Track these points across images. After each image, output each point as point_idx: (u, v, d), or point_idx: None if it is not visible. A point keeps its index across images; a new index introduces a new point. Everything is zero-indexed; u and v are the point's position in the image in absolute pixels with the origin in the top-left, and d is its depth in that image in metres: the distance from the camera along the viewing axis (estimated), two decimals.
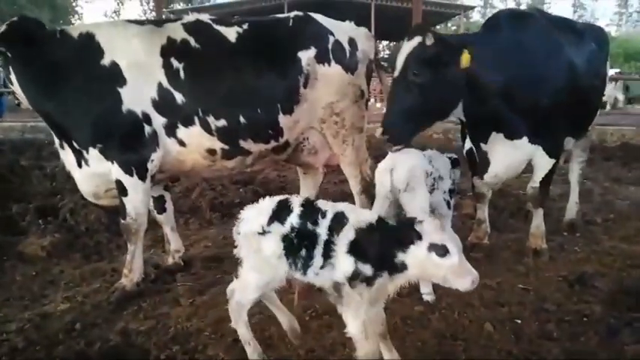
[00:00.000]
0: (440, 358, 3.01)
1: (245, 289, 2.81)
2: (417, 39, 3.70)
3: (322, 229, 2.56)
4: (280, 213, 2.64)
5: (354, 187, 4.67)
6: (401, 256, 2.43)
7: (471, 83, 3.87)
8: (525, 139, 4.25)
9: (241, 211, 2.86)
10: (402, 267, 2.45)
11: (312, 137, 4.51)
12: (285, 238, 2.59)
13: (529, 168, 4.58)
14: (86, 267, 4.56)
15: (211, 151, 4.01)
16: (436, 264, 2.37)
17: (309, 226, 2.58)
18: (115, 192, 3.95)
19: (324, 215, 2.60)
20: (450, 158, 4.36)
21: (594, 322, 3.43)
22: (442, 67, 3.71)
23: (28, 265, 4.63)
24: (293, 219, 2.60)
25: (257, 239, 2.65)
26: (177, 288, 4.10)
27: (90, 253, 4.96)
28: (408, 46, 3.73)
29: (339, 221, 2.57)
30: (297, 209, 2.63)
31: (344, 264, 2.49)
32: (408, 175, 3.75)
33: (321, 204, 2.71)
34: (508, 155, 4.33)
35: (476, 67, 3.77)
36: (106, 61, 3.73)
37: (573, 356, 3.03)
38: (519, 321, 3.46)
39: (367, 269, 2.45)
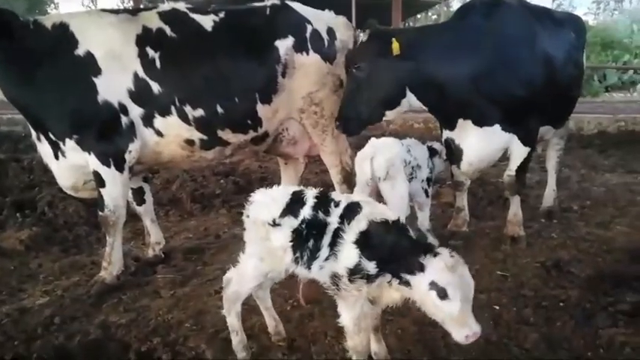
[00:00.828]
0: (420, 344, 3.04)
1: (243, 277, 2.78)
2: (362, 34, 4.13)
3: (334, 218, 2.49)
4: (294, 206, 2.58)
5: (335, 176, 4.69)
6: (405, 276, 2.31)
7: (427, 71, 4.05)
8: (497, 126, 4.29)
9: (252, 194, 2.80)
10: (406, 283, 2.31)
11: (291, 127, 4.50)
12: (295, 232, 2.53)
13: (507, 156, 4.63)
14: (65, 260, 4.50)
15: (189, 142, 3.98)
16: (434, 304, 2.22)
17: (321, 216, 2.51)
18: (92, 184, 3.90)
19: (337, 204, 2.53)
20: (428, 147, 4.42)
21: (570, 307, 3.50)
22: (378, 58, 3.99)
23: (5, 258, 4.55)
24: (305, 212, 2.54)
25: (266, 228, 2.61)
26: (158, 280, 4.07)
27: (69, 246, 4.90)
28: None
29: (352, 210, 2.49)
30: (310, 202, 2.57)
31: (348, 255, 2.39)
32: (388, 164, 3.78)
33: (335, 195, 2.66)
34: (481, 143, 4.35)
35: (432, 55, 4.05)
36: (80, 50, 3.66)
37: (550, 341, 3.10)
38: (497, 307, 3.51)
39: (371, 267, 2.34)
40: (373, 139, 4.14)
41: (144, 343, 3.13)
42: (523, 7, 4.57)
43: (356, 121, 4.16)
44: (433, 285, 2.20)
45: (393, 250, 2.35)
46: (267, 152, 4.74)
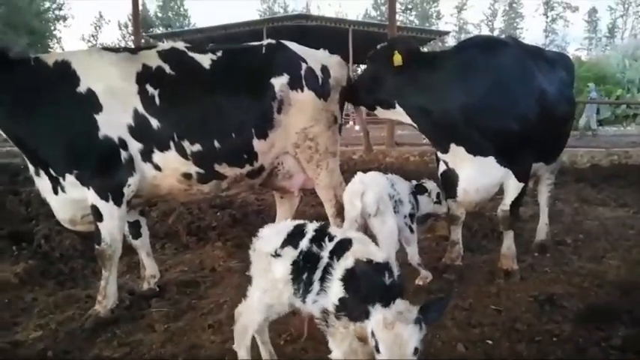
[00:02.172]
0: None
1: (250, 310, 2.81)
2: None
3: (325, 252, 2.53)
4: (294, 237, 2.64)
5: (329, 209, 4.74)
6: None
7: (417, 94, 4.38)
8: (492, 159, 4.38)
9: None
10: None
11: (286, 162, 4.58)
12: (295, 263, 2.58)
13: (501, 189, 4.71)
14: (60, 294, 4.49)
15: (187, 176, 4.05)
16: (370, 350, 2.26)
17: (315, 249, 2.56)
18: (90, 218, 3.94)
19: (331, 239, 2.58)
20: (418, 185, 4.49)
21: (563, 341, 3.50)
22: (382, 60, 4.48)
23: (0, 292, 4.54)
24: (303, 244, 2.60)
25: (268, 260, 2.66)
26: (152, 314, 4.07)
27: (64, 279, 4.89)
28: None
29: (342, 246, 2.53)
30: (309, 234, 2.63)
31: (335, 291, 2.42)
32: (378, 200, 3.83)
33: (333, 230, 2.70)
34: (475, 171, 4.44)
35: (425, 79, 4.35)
36: (82, 88, 3.76)
37: None
38: (491, 342, 3.51)
39: (354, 305, 2.34)
40: (360, 174, 4.22)
41: None
42: (519, 46, 4.74)
43: (355, 95, 4.83)
44: (373, 335, 2.21)
45: (373, 292, 2.32)
46: (262, 186, 4.81)
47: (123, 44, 68.50)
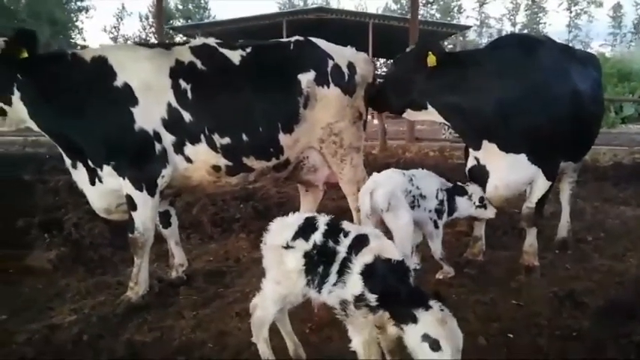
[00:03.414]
0: None
1: (265, 302, 2.91)
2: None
3: (342, 247, 2.64)
4: (305, 230, 2.74)
5: (352, 203, 4.84)
6: (399, 323, 2.43)
7: (453, 94, 4.41)
8: (524, 156, 4.43)
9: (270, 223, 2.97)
10: (400, 328, 2.44)
11: (311, 156, 4.69)
12: (307, 255, 2.68)
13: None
14: (91, 280, 4.66)
15: (216, 168, 4.17)
16: (426, 354, 2.33)
17: (330, 244, 2.66)
18: (124, 207, 4.09)
19: (346, 234, 2.68)
20: (458, 186, 4.54)
21: (583, 337, 3.57)
22: (412, 68, 4.54)
23: (34, 278, 4.72)
24: (316, 237, 2.70)
25: (280, 252, 2.76)
26: (181, 301, 4.22)
27: (94, 266, 5.06)
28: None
29: (360, 241, 2.64)
30: (321, 227, 2.73)
31: (354, 284, 2.54)
32: (389, 196, 3.90)
33: (346, 225, 2.80)
34: (506, 167, 4.49)
35: (458, 79, 4.39)
36: (119, 82, 3.90)
37: None
38: (511, 335, 3.59)
39: (372, 298, 2.48)
40: (375, 173, 4.32)
41: None
42: (554, 46, 4.78)
43: (381, 100, 4.87)
44: (425, 337, 2.31)
45: (392, 292, 2.48)
46: (287, 179, 4.92)
47: (144, 36, 69.18)
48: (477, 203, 4.56)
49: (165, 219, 4.61)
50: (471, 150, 4.76)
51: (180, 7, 69.46)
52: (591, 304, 4.05)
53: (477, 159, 4.71)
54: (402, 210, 4.04)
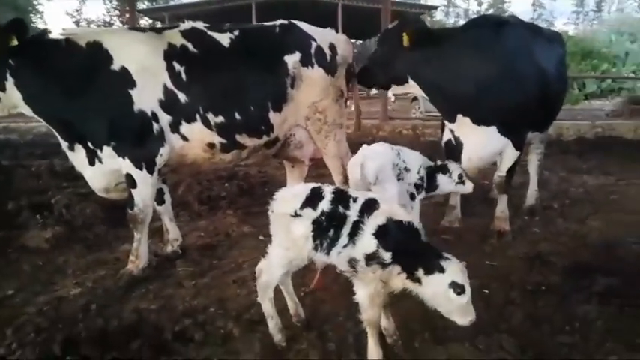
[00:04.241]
0: (421, 324, 3.44)
1: (271, 266, 3.15)
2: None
3: (353, 212, 2.86)
4: (313, 199, 2.95)
5: (336, 177, 5.11)
6: (420, 274, 2.70)
7: (428, 69, 4.76)
8: (494, 128, 4.77)
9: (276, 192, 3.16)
10: (417, 280, 2.73)
11: (298, 133, 4.94)
12: (315, 222, 2.90)
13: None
14: (89, 256, 4.86)
15: (211, 145, 4.39)
16: (450, 299, 2.63)
17: (340, 209, 2.88)
18: (123, 186, 4.30)
19: (355, 200, 2.91)
20: (440, 165, 4.62)
21: (551, 289, 3.98)
22: (393, 44, 4.88)
23: (33, 255, 4.87)
24: (324, 204, 2.91)
25: (288, 220, 2.97)
26: (179, 272, 4.46)
27: (90, 244, 5.24)
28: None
29: (371, 206, 2.88)
30: (328, 196, 2.94)
31: (367, 243, 2.77)
32: (377, 170, 4.11)
33: (352, 192, 3.04)
34: (479, 140, 4.84)
35: (436, 56, 4.70)
36: (116, 66, 4.06)
37: (534, 318, 3.54)
38: (487, 291, 3.95)
39: (387, 256, 2.73)
40: (365, 146, 4.49)
41: (176, 324, 3.49)
42: (522, 25, 5.12)
43: (368, 77, 5.24)
44: (453, 284, 2.63)
45: (411, 248, 2.77)
46: (275, 156, 5.16)
47: (107, 19, 67.40)
48: (457, 180, 4.80)
49: (159, 196, 4.80)
50: (446, 123, 5.09)
51: None
52: (557, 263, 4.47)
53: (452, 132, 5.04)
54: (389, 183, 4.26)
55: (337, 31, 5.25)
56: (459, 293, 2.62)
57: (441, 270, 2.65)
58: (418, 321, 3.43)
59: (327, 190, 3.02)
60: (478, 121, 4.75)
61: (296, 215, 2.95)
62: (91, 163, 4.23)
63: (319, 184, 3.12)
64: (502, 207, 5.22)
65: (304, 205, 2.95)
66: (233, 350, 3.21)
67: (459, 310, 2.69)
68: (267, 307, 3.24)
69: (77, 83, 4.00)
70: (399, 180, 4.40)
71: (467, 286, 2.65)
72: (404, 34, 4.68)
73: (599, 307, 3.62)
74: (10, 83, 3.97)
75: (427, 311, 3.47)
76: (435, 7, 43.81)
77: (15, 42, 3.89)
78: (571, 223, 5.60)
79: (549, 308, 3.69)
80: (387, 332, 3.19)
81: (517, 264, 4.50)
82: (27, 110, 4.12)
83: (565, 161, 9.50)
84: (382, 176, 4.11)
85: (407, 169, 4.44)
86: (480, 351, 3.16)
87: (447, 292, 2.64)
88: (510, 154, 4.97)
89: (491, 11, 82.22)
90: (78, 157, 4.27)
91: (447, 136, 5.19)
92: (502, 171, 5.11)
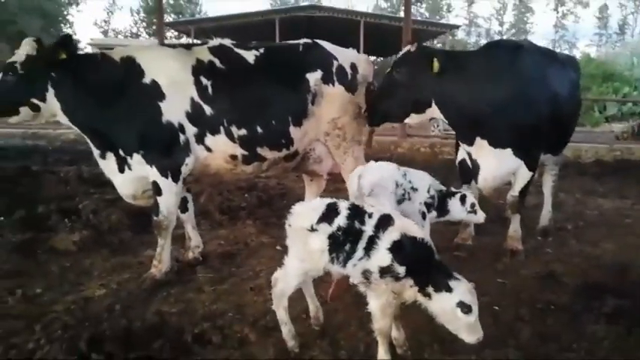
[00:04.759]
0: (430, 336, 3.55)
1: (287, 276, 3.30)
2: (407, 48, 4.89)
3: (368, 227, 2.99)
4: (329, 214, 3.08)
5: None
6: (430, 290, 2.86)
7: (454, 93, 4.74)
8: (509, 150, 4.89)
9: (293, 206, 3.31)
10: (427, 295, 2.89)
11: (317, 148, 5.12)
12: (331, 237, 3.03)
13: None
14: (114, 260, 5.06)
15: (233, 157, 4.60)
16: (457, 317, 2.79)
17: (356, 225, 3.01)
18: (149, 193, 4.51)
19: (370, 216, 3.05)
20: (453, 192, 4.61)
21: (561, 309, 4.06)
22: (418, 69, 4.74)
23: (60, 257, 5.09)
24: (340, 219, 3.04)
25: (305, 234, 3.11)
26: (199, 278, 4.63)
27: (115, 248, 5.45)
28: (400, 53, 4.93)
29: (386, 221, 3.02)
30: (344, 211, 3.07)
31: (382, 257, 2.91)
32: (373, 183, 4.17)
33: (367, 207, 3.16)
34: (495, 162, 4.95)
35: (461, 80, 4.70)
36: (147, 79, 4.31)
37: (542, 335, 3.63)
38: (497, 308, 4.05)
39: (401, 270, 2.88)
40: (371, 161, 4.60)
41: (196, 326, 3.64)
42: (536, 49, 5.26)
43: (381, 114, 5.02)
44: (461, 304, 2.78)
45: (423, 264, 2.92)
46: (295, 169, 5.35)
47: (135, 30, 68.98)
48: (469, 209, 4.64)
49: (182, 204, 4.99)
50: (462, 145, 5.22)
51: (172, 1, 69.37)
52: (569, 283, 4.55)
53: (468, 154, 5.16)
54: (383, 199, 4.21)
55: (359, 47, 5.43)
56: (466, 313, 2.77)
57: (449, 289, 2.81)
58: (428, 333, 3.53)
59: (343, 206, 3.14)
60: (495, 143, 4.87)
61: (312, 230, 3.08)
62: (121, 170, 4.45)
63: (335, 200, 3.25)
64: (515, 226, 5.32)
65: (321, 220, 3.07)
66: (249, 354, 3.36)
67: (466, 329, 2.83)
68: (282, 314, 3.38)
69: (111, 95, 4.25)
70: (405, 199, 4.42)
71: (474, 306, 2.79)
72: (434, 59, 4.61)
73: (608, 326, 3.69)
74: (50, 94, 4.22)
75: (437, 324, 3.63)
76: (457, 26, 44.13)
77: (64, 56, 4.17)
78: (584, 245, 5.67)
79: (558, 326, 3.77)
80: (397, 343, 3.32)
81: (528, 283, 4.58)
82: (64, 120, 4.38)
83: (582, 183, 9.54)
84: (378, 190, 4.15)
85: (414, 189, 4.45)
86: None
87: (454, 310, 2.79)
88: (524, 175, 5.08)
89: (512, 31, 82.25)
90: (109, 165, 4.49)
91: (461, 155, 5.32)
92: (515, 191, 5.22)
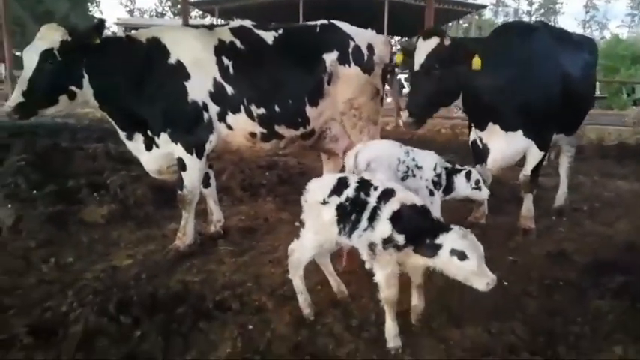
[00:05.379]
0: (439, 305, 3.72)
1: (303, 247, 3.51)
2: (435, 39, 4.51)
3: (372, 199, 3.16)
4: (339, 187, 3.27)
5: None
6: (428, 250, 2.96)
7: (472, 80, 4.68)
8: (520, 132, 4.98)
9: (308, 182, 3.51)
10: (429, 256, 2.97)
11: (333, 127, 5.25)
12: (339, 207, 3.22)
13: (521, 162, 5.35)
14: (140, 232, 5.34)
15: (253, 135, 4.78)
16: (457, 266, 2.86)
17: (362, 196, 3.18)
18: (174, 168, 4.73)
19: (376, 188, 3.21)
20: (457, 169, 4.61)
21: (568, 284, 4.18)
22: (455, 64, 4.52)
23: (90, 229, 5.39)
24: (348, 192, 3.23)
25: (318, 207, 3.32)
26: (220, 250, 4.87)
27: (141, 221, 5.72)
28: (426, 45, 4.53)
29: (388, 194, 3.17)
30: (353, 185, 3.26)
31: (383, 228, 3.07)
32: (370, 159, 4.26)
33: (374, 181, 3.31)
34: (505, 144, 5.05)
35: (479, 69, 4.54)
36: (172, 59, 4.48)
37: (548, 309, 3.77)
38: (506, 283, 4.17)
39: (400, 238, 3.01)
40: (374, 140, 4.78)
41: (217, 294, 3.88)
42: (547, 31, 5.29)
43: (426, 112, 4.72)
44: (453, 251, 2.88)
45: (420, 230, 3.02)
46: (312, 148, 5.50)
47: (160, 10, 69.33)
48: (473, 185, 4.63)
49: (205, 180, 5.19)
50: (473, 132, 5.31)
51: None
52: (578, 261, 4.65)
53: (480, 138, 5.25)
54: (379, 174, 4.18)
55: (383, 27, 5.47)
56: (462, 259, 2.85)
57: (438, 247, 2.91)
58: (436, 304, 3.70)
59: (353, 180, 3.33)
60: (507, 128, 4.96)
61: (324, 203, 3.29)
62: (148, 149, 4.66)
63: (347, 175, 3.44)
64: (528, 205, 5.41)
65: (332, 194, 3.28)
66: (266, 319, 3.57)
67: (472, 275, 2.89)
68: (298, 283, 3.58)
69: (141, 77, 4.41)
70: (409, 177, 4.41)
71: (469, 251, 2.85)
72: (476, 56, 4.45)
73: (612, 301, 3.80)
74: (85, 80, 4.31)
75: (444, 295, 3.82)
76: (484, 7, 43.26)
77: (98, 41, 4.28)
78: (598, 225, 5.74)
79: (564, 301, 3.90)
80: (414, 309, 3.49)
81: (538, 260, 4.69)
82: (94, 105, 4.51)
83: (602, 166, 9.51)
84: (375, 165, 4.24)
85: (418, 167, 4.46)
86: (493, 335, 3.41)
87: (451, 260, 2.88)
88: (535, 155, 5.16)
89: (541, 12, 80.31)
90: (136, 145, 4.71)
91: (473, 136, 5.42)
92: (527, 170, 5.31)
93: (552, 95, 4.91)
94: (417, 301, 3.47)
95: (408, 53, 4.71)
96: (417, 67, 4.57)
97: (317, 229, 3.41)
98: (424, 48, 4.53)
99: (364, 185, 3.27)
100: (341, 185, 3.30)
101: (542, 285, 4.18)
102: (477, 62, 4.46)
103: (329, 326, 3.49)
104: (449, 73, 4.54)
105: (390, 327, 3.25)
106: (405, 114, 4.58)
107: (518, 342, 3.34)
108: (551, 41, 5.14)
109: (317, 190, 3.40)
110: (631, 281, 4.05)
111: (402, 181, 4.24)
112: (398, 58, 4.73)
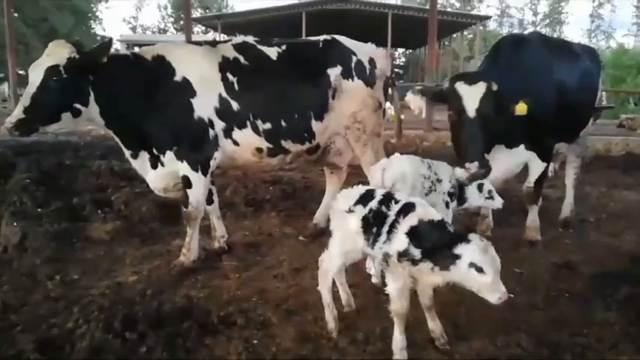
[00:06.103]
0: (445, 318, 3.69)
1: (331, 257, 3.52)
2: (482, 85, 4.28)
3: (392, 212, 3.17)
4: (365, 198, 3.31)
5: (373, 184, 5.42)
6: (445, 262, 2.92)
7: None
8: (522, 146, 4.99)
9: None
10: (446, 267, 2.93)
11: (337, 141, 5.29)
12: (364, 218, 3.24)
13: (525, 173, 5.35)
14: (145, 249, 5.34)
15: (259, 150, 4.81)
16: (473, 278, 2.84)
17: (384, 209, 3.20)
18: (179, 186, 4.74)
19: (397, 202, 3.22)
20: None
21: (574, 295, 4.16)
22: (502, 108, 4.35)
23: (95, 246, 5.41)
24: (372, 204, 3.26)
25: (344, 216, 3.36)
26: (225, 266, 4.86)
27: (146, 237, 5.73)
28: (474, 91, 4.29)
29: (407, 208, 3.17)
30: (377, 197, 3.29)
31: (400, 241, 3.06)
32: (396, 176, 4.22)
33: (398, 195, 3.34)
34: (507, 160, 5.04)
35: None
36: (178, 77, 4.52)
37: (554, 321, 3.74)
38: (512, 295, 4.13)
39: (416, 253, 3.00)
40: (397, 154, 4.57)
41: (222, 309, 3.86)
42: (542, 41, 5.30)
43: (478, 151, 4.30)
44: (472, 265, 2.85)
45: (436, 243, 2.99)
46: (316, 162, 5.53)
47: (162, 26, 70.07)
48: (486, 195, 4.61)
49: (208, 197, 5.17)
50: None
51: None
52: (585, 272, 4.61)
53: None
54: (404, 192, 4.15)
55: (387, 41, 5.53)
56: (479, 272, 2.83)
57: (457, 258, 2.86)
58: (443, 318, 3.66)
59: (378, 192, 3.37)
60: (511, 145, 4.98)
61: (350, 211, 3.34)
62: (154, 167, 4.66)
63: (373, 187, 3.49)
64: (532, 217, 5.40)
65: (357, 203, 3.33)
66: (271, 334, 3.56)
67: (486, 289, 2.88)
68: (326, 295, 3.58)
69: (147, 95, 4.44)
70: (430, 191, 4.51)
71: (487, 266, 2.82)
72: (522, 103, 4.33)
73: (618, 313, 3.79)
74: (92, 98, 4.29)
75: (452, 309, 3.81)
76: (488, 17, 43.47)
77: (105, 59, 4.30)
78: (604, 236, 5.71)
79: (570, 313, 3.87)
80: (434, 334, 3.44)
81: (544, 272, 4.65)
82: (100, 123, 4.49)
83: (609, 176, 9.46)
84: (399, 185, 4.18)
85: (439, 180, 4.55)
86: (499, 347, 3.38)
87: (469, 272, 2.86)
88: (537, 166, 5.17)
89: (546, 22, 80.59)
90: (141, 164, 4.72)
91: None
92: (530, 182, 5.31)
93: (551, 106, 4.91)
94: (432, 324, 3.44)
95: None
96: (471, 115, 4.31)
97: (343, 238, 3.44)
98: (472, 95, 4.30)
99: (387, 198, 3.31)
100: (367, 196, 3.35)
101: (549, 296, 4.16)
102: (521, 108, 4.32)
103: (334, 340, 3.48)
104: (498, 116, 4.34)
105: (398, 340, 3.23)
106: (474, 165, 4.25)
107: (524, 354, 3.31)
108: (543, 51, 5.15)
109: (344, 198, 3.46)
110: (637, 292, 4.04)
111: (425, 196, 4.19)
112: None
